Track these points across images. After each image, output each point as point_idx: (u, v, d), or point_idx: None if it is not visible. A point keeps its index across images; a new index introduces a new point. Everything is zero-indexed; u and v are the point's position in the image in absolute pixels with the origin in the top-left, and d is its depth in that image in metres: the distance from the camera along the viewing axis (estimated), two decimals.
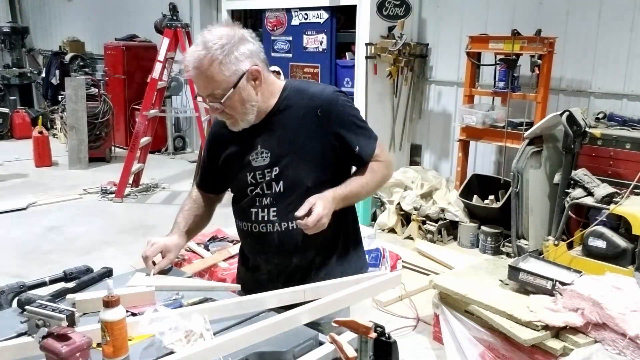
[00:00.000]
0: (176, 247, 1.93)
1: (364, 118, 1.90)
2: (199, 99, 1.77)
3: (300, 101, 1.80)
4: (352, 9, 5.46)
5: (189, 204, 2.03)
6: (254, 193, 1.82)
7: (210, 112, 1.74)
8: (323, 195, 1.71)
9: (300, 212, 1.65)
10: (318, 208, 1.65)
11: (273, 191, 1.80)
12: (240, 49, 1.67)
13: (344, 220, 1.90)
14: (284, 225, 1.81)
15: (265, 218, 1.81)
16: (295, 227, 1.78)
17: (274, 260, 1.86)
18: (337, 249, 1.91)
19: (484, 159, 5.46)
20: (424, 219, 5.01)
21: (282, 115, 1.80)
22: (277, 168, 1.79)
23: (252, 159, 1.82)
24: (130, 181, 6.52)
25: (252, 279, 1.93)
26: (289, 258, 1.84)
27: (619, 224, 3.76)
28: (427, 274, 4.17)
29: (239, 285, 2.09)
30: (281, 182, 1.79)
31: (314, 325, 1.57)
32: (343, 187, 1.78)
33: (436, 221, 4.96)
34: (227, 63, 1.65)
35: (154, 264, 1.87)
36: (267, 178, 1.80)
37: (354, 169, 1.92)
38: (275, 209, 1.81)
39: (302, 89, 1.83)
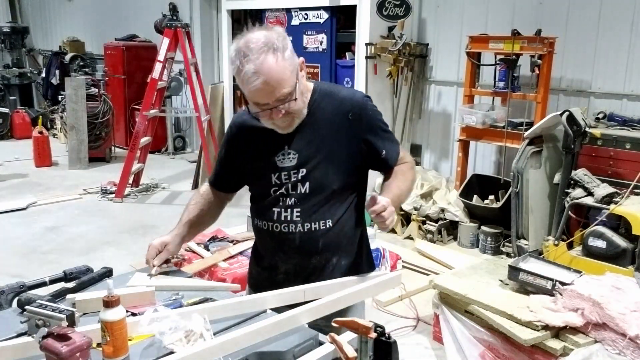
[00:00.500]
0: (174, 239, 1.93)
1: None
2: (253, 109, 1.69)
3: (330, 104, 1.79)
4: (352, 9, 5.47)
5: (196, 199, 2.01)
6: (277, 193, 1.81)
7: (273, 118, 1.68)
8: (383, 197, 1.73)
9: (370, 205, 1.64)
10: (384, 200, 1.65)
11: (298, 192, 1.79)
12: (289, 44, 1.67)
13: (360, 223, 1.92)
14: (307, 226, 1.79)
15: (288, 218, 1.80)
16: (317, 229, 1.79)
17: (292, 260, 1.84)
18: (355, 251, 1.91)
19: (484, 159, 5.46)
20: (424, 219, 5.01)
21: (312, 117, 1.78)
22: (304, 170, 1.78)
23: (278, 159, 1.80)
24: (130, 181, 6.52)
25: (267, 278, 1.90)
26: (308, 259, 1.83)
27: (619, 224, 3.77)
28: (427, 274, 4.17)
29: (239, 285, 2.09)
30: (307, 184, 1.78)
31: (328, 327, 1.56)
32: (388, 192, 1.77)
33: (436, 221, 4.96)
34: (288, 59, 1.63)
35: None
36: (293, 179, 1.79)
37: (371, 172, 1.93)
38: (299, 209, 1.79)
39: (332, 92, 1.83)
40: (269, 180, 1.81)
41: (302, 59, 1.73)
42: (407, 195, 1.88)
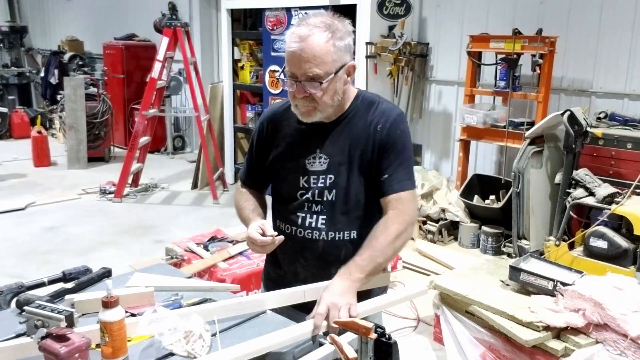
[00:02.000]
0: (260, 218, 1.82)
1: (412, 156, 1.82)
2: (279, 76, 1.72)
3: (368, 114, 1.76)
4: (352, 8, 5.45)
5: (245, 197, 1.93)
6: (304, 198, 1.77)
7: (295, 95, 1.66)
8: (333, 288, 1.57)
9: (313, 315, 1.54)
10: (320, 308, 1.52)
11: (324, 199, 1.75)
12: (348, 40, 1.66)
13: None
14: (331, 234, 1.76)
15: (313, 224, 1.76)
16: (341, 239, 1.76)
17: (312, 268, 1.79)
18: None
19: (484, 158, 5.45)
20: (425, 219, 5.00)
21: (348, 124, 1.76)
22: (331, 176, 1.75)
23: (308, 162, 1.76)
24: (130, 181, 6.51)
25: (289, 284, 1.80)
26: (329, 269, 1.75)
27: (620, 224, 3.76)
28: (428, 275, 4.16)
29: (239, 286, 2.07)
30: (334, 191, 1.75)
31: None
32: (360, 261, 1.63)
33: (437, 221, 4.95)
34: (338, 47, 1.63)
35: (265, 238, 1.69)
36: (320, 184, 1.75)
37: None
38: (324, 217, 1.75)
39: (373, 102, 1.79)
40: (297, 183, 1.77)
41: (353, 63, 1.71)
42: (384, 259, 1.67)
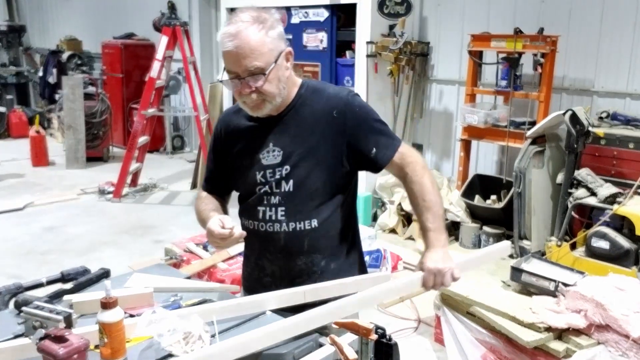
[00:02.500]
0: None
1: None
2: (224, 77, 1.70)
3: (316, 101, 1.77)
4: (352, 7, 5.44)
5: (205, 201, 1.93)
6: (262, 191, 1.78)
7: (241, 92, 1.67)
8: (432, 257, 1.68)
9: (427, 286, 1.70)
10: (428, 281, 1.68)
11: (282, 190, 1.76)
12: (278, 28, 1.68)
13: (350, 226, 1.88)
14: (292, 225, 1.76)
15: (273, 217, 1.77)
16: (302, 229, 1.76)
17: (278, 261, 1.81)
18: (343, 254, 1.87)
19: (486, 158, 5.44)
20: None
21: (297, 113, 1.77)
22: (287, 167, 1.75)
23: (263, 156, 1.78)
24: (128, 181, 6.50)
25: (257, 280, 1.88)
26: (294, 260, 1.79)
27: (622, 224, 3.75)
28: None
29: (238, 287, 2.07)
30: (291, 182, 1.75)
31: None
32: (431, 225, 1.72)
33: None
34: (272, 37, 1.64)
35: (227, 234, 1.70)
36: (277, 176, 1.76)
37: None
38: (283, 208, 1.76)
39: (319, 89, 1.80)
40: (254, 179, 1.79)
41: (290, 49, 1.72)
42: (441, 207, 1.77)
